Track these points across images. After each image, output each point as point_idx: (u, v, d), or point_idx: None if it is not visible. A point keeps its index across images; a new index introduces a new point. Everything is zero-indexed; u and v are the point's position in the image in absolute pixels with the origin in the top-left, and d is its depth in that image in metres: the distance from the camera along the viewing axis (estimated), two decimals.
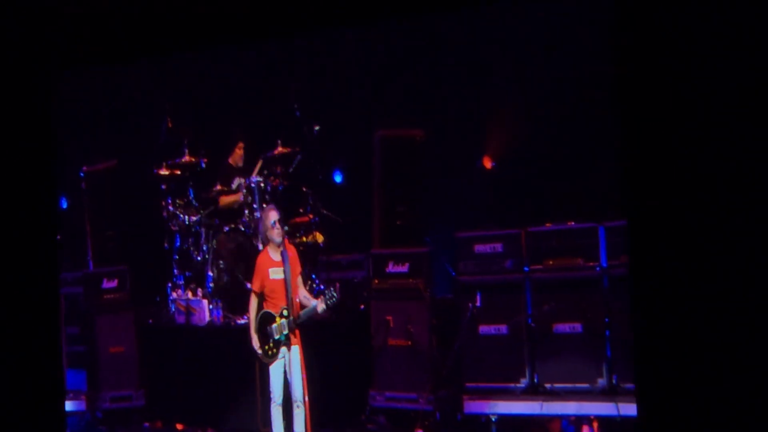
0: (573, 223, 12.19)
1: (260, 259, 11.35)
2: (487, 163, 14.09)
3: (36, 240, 7.15)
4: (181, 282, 14.47)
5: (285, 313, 10.94)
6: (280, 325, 10.90)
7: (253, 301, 11.18)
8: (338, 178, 15.53)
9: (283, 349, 10.86)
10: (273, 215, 11.11)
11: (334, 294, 11.08)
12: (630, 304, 5.60)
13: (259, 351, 11.07)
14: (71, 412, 14.12)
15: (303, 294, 11.24)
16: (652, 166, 5.47)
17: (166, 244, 14.78)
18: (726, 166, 5.31)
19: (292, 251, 11.26)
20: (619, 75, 5.63)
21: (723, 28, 5.44)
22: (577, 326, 11.90)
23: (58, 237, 14.48)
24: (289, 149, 14.22)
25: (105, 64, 9.15)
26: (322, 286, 13.35)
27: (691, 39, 5.47)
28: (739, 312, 5.30)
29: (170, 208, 14.62)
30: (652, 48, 5.55)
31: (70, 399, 14.23)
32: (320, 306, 10.98)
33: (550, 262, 12.07)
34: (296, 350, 10.76)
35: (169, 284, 14.55)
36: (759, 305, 5.26)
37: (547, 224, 12.31)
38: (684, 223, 5.41)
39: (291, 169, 14.33)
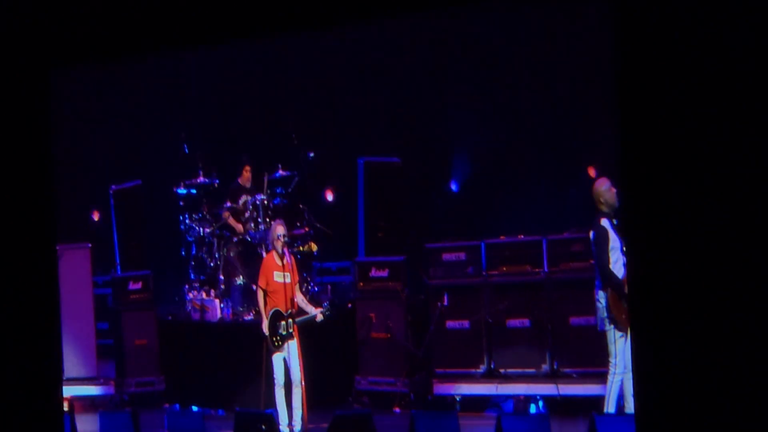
0: (522, 236, 13.34)
1: (266, 261, 12.30)
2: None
3: (34, 237, 6.82)
4: (196, 284, 15.35)
5: (291, 314, 12.02)
6: (287, 324, 11.96)
7: (260, 295, 12.20)
8: (329, 197, 16.41)
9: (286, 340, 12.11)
10: (280, 230, 12.20)
11: (330, 308, 12.32)
12: (628, 304, 5.59)
13: (268, 335, 11.95)
14: (102, 395, 14.84)
15: (300, 298, 12.18)
16: (651, 166, 5.20)
17: (183, 252, 15.62)
18: (726, 166, 5.07)
19: (292, 260, 12.28)
20: (619, 80, 5.33)
21: (724, 30, 5.15)
22: (526, 321, 13.05)
23: (89, 245, 14.92)
24: (287, 172, 15.22)
25: (104, 61, 8.66)
26: (316, 288, 14.32)
27: (691, 44, 5.18)
28: (736, 312, 5.06)
29: (187, 221, 15.51)
30: (653, 53, 5.23)
31: (101, 384, 14.94)
32: (318, 317, 12.15)
33: (504, 269, 13.22)
34: (294, 342, 11.93)
35: (186, 286, 15.40)
36: (758, 306, 5.01)
37: (502, 237, 13.46)
38: (681, 223, 5.12)
39: (290, 189, 15.22)
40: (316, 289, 14.24)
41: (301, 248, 13.80)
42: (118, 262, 16.30)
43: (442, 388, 13.35)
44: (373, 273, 14.02)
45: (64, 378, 14.27)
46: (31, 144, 6.74)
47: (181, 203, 15.69)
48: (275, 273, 12.11)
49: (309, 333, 12.53)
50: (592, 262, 11.53)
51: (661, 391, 5.17)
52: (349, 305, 14.23)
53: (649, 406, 5.21)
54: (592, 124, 14.50)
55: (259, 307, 12.35)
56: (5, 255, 6.63)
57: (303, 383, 12.04)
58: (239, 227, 15.10)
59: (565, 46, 15.11)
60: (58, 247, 14.83)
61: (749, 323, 4.97)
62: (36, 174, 6.72)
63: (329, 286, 15.06)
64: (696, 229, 5.04)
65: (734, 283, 4.98)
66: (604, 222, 10.76)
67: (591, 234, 11.11)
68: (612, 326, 11.03)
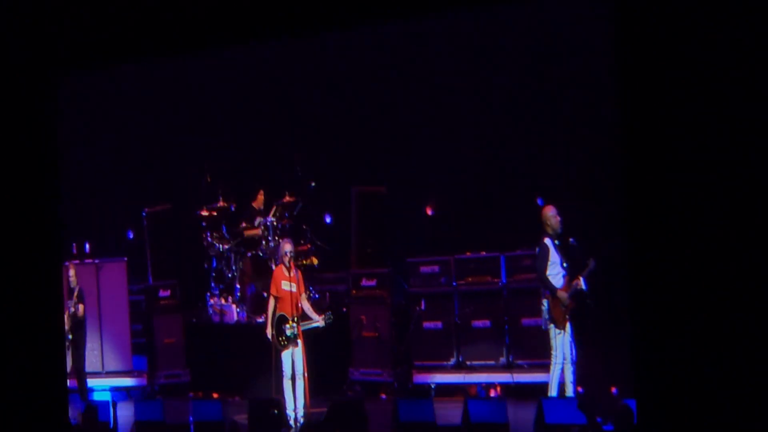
0: (484, 252, 14.36)
1: (276, 273, 12.91)
2: (429, 211, 15.58)
3: (39, 239, 6.45)
4: (216, 292, 16.08)
5: (295, 319, 12.63)
6: (292, 326, 12.60)
7: (271, 303, 12.84)
8: (328, 219, 16.80)
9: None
10: (288, 247, 12.88)
11: (331, 317, 12.83)
12: (629, 303, 5.28)
13: (272, 339, 12.53)
14: (136, 387, 15.54)
15: (306, 306, 12.79)
16: (652, 166, 4.99)
17: (205, 265, 16.24)
18: (726, 166, 4.81)
19: (298, 273, 12.92)
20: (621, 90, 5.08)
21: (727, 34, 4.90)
22: (487, 322, 14.11)
23: (125, 259, 15.86)
24: (293, 198, 15.95)
25: (109, 66, 7.95)
26: (317, 295, 14.82)
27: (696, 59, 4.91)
28: (734, 312, 4.82)
29: (209, 239, 16.20)
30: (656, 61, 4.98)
31: (135, 377, 15.59)
32: (321, 324, 12.74)
33: (470, 279, 14.22)
34: (299, 340, 12.68)
35: (208, 293, 16.15)
36: (756, 306, 4.76)
37: (468, 253, 14.45)
38: (680, 220, 4.90)
39: (295, 213, 15.96)
40: (316, 296, 14.80)
41: (304, 261, 14.93)
42: (149, 273, 16.70)
43: (420, 378, 14.28)
44: (364, 282, 14.81)
45: (105, 371, 15.52)
46: (38, 147, 6.39)
47: (204, 224, 16.31)
48: (283, 282, 12.70)
49: (311, 333, 13.07)
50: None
51: (661, 389, 4.88)
52: (344, 309, 14.96)
53: (649, 405, 4.94)
54: (541, 159, 15.05)
55: (267, 313, 12.90)
56: (11, 257, 6.25)
57: (306, 375, 12.76)
58: (257, 231, 15.56)
59: (508, 98, 15.38)
60: (98, 261, 15.54)
61: (747, 323, 4.71)
62: (42, 178, 6.36)
63: (327, 294, 15.64)
64: (695, 227, 4.82)
65: (732, 283, 4.72)
66: (547, 241, 11.99)
67: (536, 250, 12.18)
68: (552, 325, 12.20)
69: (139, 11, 6.35)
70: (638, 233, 5.09)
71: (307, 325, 12.74)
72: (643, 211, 5.01)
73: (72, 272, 14.76)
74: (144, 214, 16.90)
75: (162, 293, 15.78)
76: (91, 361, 15.79)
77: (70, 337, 14.67)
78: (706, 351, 4.83)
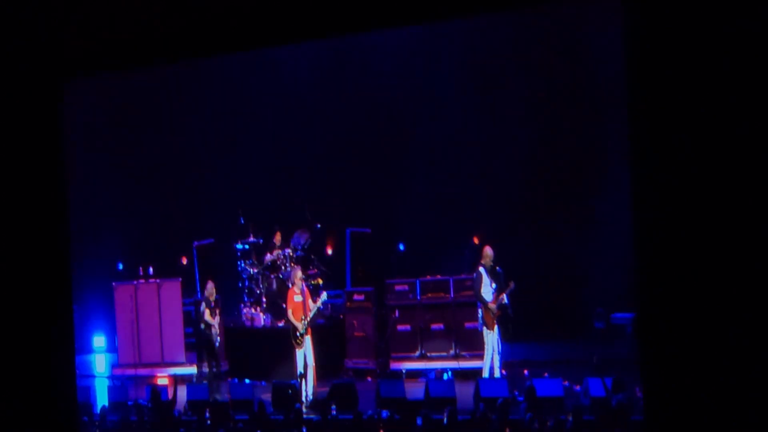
0: (439, 276, 15.40)
1: (290, 291, 13.89)
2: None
3: (47, 247, 5.34)
4: (248, 304, 16.85)
5: (303, 319, 13.48)
6: (303, 325, 13.54)
7: (289, 312, 13.73)
8: (329, 251, 17.71)
9: (304, 337, 13.53)
10: (298, 273, 14.10)
11: (325, 298, 13.91)
12: (635, 307, 4.46)
13: (292, 341, 13.32)
14: (188, 374, 16.08)
15: (312, 306, 13.62)
16: (660, 169, 4.17)
17: (239, 284, 16.95)
18: (734, 168, 3.98)
19: (306, 289, 13.97)
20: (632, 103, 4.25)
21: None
22: (441, 326, 15.16)
23: (180, 279, 16.39)
24: (303, 236, 16.81)
25: (116, 70, 6.80)
26: (321, 307, 14.40)
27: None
28: (739, 314, 3.99)
29: (242, 265, 17.01)
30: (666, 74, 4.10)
31: (187, 366, 16.17)
32: (319, 306, 13.67)
33: (429, 295, 15.31)
34: (309, 339, 13.66)
35: (242, 305, 16.89)
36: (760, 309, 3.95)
37: (428, 276, 15.49)
38: (689, 224, 4.09)
39: (305, 246, 16.82)
40: (321, 307, 14.41)
41: (312, 282, 15.85)
42: (198, 290, 17.12)
43: (395, 365, 15.21)
44: (355, 297, 15.76)
45: (164, 361, 16.15)
46: (44, 157, 5.38)
47: (239, 254, 17.05)
48: (295, 297, 13.71)
49: (318, 335, 14.03)
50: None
51: (667, 388, 4.12)
52: (341, 316, 16.02)
53: (656, 404, 4.14)
54: (477, 204, 16.44)
55: (288, 317, 13.71)
56: (18, 266, 5.28)
57: (314, 365, 13.68)
58: (276, 261, 16.18)
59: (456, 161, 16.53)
60: (159, 280, 16.61)
61: (750, 325, 3.98)
62: (49, 187, 5.40)
63: (329, 305, 16.13)
64: (702, 231, 4.07)
65: (737, 285, 4.00)
66: (482, 269, 13.61)
67: (474, 275, 13.77)
68: (485, 328, 13.60)
69: (144, 15, 5.23)
70: (645, 232, 4.26)
71: (312, 313, 13.50)
72: (650, 213, 4.23)
73: (210, 285, 15.14)
74: (194, 245, 17.55)
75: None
76: (155, 354, 16.41)
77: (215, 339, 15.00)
78: (710, 352, 4.04)
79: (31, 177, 5.46)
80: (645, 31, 4.27)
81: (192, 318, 16.33)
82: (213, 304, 15.09)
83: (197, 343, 15.76)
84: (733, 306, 4.08)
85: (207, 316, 14.98)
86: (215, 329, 15.02)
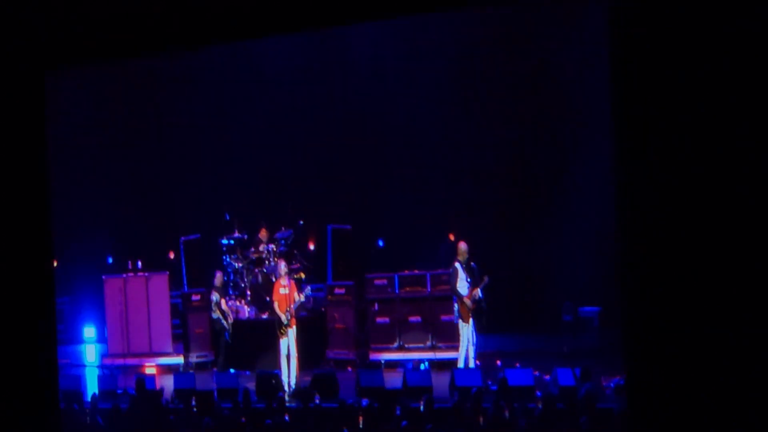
0: (416, 270, 15.56)
1: (276, 284, 14.15)
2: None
3: (29, 243, 5.23)
4: (233, 297, 16.74)
5: (288, 311, 13.64)
6: (286, 316, 13.68)
7: (275, 304, 13.90)
8: (311, 247, 17.78)
9: (289, 328, 13.67)
10: (283, 265, 14.34)
11: (309, 291, 14.36)
12: (621, 303, 4.23)
13: (277, 330, 13.52)
14: (175, 364, 16.08)
15: (296, 298, 13.81)
16: (644, 168, 4.07)
17: (225, 278, 16.80)
18: (718, 168, 3.94)
19: (290, 282, 14.13)
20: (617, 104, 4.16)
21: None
22: (418, 318, 15.24)
23: (167, 273, 16.35)
24: (288, 231, 16.91)
25: (100, 60, 6.45)
26: (303, 299, 14.57)
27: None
28: (723, 314, 3.95)
29: (227, 259, 16.99)
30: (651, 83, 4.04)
31: (174, 356, 16.18)
32: (302, 299, 13.86)
33: (407, 289, 15.40)
34: (293, 330, 13.82)
35: (227, 297, 16.55)
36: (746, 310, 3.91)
37: (406, 271, 15.59)
38: (673, 224, 4.01)
39: (289, 242, 16.87)
40: (303, 300, 14.54)
41: (295, 276, 15.65)
42: (185, 283, 17.27)
43: (374, 356, 15.31)
44: (336, 291, 15.86)
45: (152, 351, 16.22)
46: (26, 149, 5.24)
47: (224, 249, 17.05)
48: (280, 290, 13.93)
49: (301, 326, 14.09)
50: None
51: (652, 388, 4.06)
52: (323, 309, 16.09)
53: (640, 402, 4.10)
54: (453, 202, 16.54)
55: (274, 309, 13.89)
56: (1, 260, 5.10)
57: (297, 355, 13.78)
58: (262, 254, 16.26)
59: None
60: (147, 274, 16.69)
61: (734, 325, 3.92)
62: (31, 180, 5.26)
63: (312, 298, 16.18)
64: (687, 229, 4.00)
65: (717, 281, 3.96)
66: (457, 264, 13.81)
67: (450, 270, 13.93)
68: (460, 320, 13.74)
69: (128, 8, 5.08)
70: (630, 232, 4.14)
71: (296, 305, 13.70)
72: (634, 210, 4.12)
73: (219, 275, 15.49)
74: (181, 241, 17.52)
75: (194, 297, 16.49)
76: (143, 345, 16.42)
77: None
78: (695, 351, 3.99)
79: (13, 170, 5.32)
80: (629, 27, 4.23)
81: (179, 309, 16.56)
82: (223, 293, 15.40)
83: (210, 333, 16.02)
84: (714, 301, 4.07)
85: (223, 305, 15.28)
86: (230, 318, 15.33)
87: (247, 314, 16.40)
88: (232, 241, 17.00)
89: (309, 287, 14.36)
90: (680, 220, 4.15)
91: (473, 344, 13.68)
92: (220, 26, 5.29)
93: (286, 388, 13.39)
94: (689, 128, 4.13)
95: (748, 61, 4.04)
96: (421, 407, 10.89)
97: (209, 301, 15.67)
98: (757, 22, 3.99)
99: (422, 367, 14.92)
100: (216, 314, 15.37)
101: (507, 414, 10.33)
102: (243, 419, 11.45)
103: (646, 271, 4.22)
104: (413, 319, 15.26)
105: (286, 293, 13.77)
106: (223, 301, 15.31)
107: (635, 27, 4.20)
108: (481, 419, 10.42)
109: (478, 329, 13.79)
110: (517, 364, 13.60)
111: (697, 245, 4.13)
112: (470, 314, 13.65)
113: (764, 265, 4.02)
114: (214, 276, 15.94)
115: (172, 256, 17.94)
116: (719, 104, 4.08)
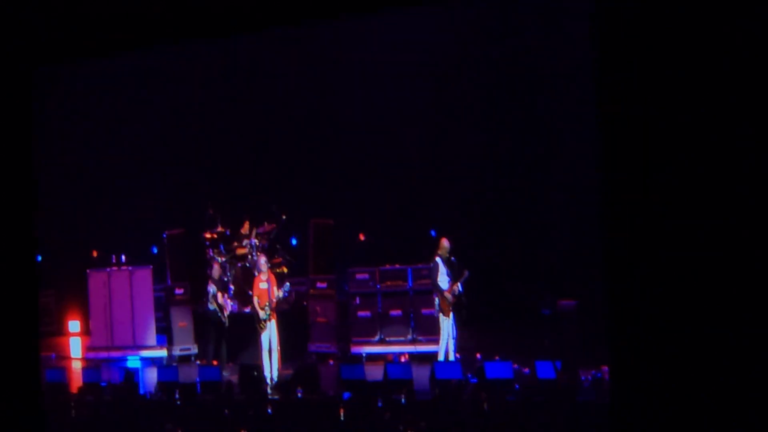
0: (398, 265, 15.49)
1: (256, 278, 14.05)
2: (361, 237, 16.43)
3: (13, 237, 5.18)
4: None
5: (267, 305, 13.59)
6: (265, 311, 13.64)
7: (255, 299, 13.84)
8: (294, 241, 17.68)
9: (268, 322, 13.63)
10: (263, 260, 14.28)
11: (288, 287, 13.90)
12: (605, 302, 4.17)
13: (257, 325, 13.47)
14: (158, 357, 16.10)
15: (277, 294, 13.73)
16: (629, 168, 4.04)
17: (208, 272, 16.36)
18: (705, 167, 3.90)
19: (272, 276, 14.11)
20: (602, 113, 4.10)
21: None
22: (399, 312, 15.28)
23: (151, 267, 16.38)
24: (270, 227, 16.74)
25: (90, 57, 6.32)
26: (286, 294, 14.32)
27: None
28: (709, 313, 3.92)
29: (210, 253, 16.87)
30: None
31: (158, 349, 16.21)
32: (281, 295, 13.69)
33: (389, 283, 15.40)
34: (273, 323, 13.74)
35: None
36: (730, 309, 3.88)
37: (387, 265, 15.54)
38: (656, 223, 3.98)
39: (271, 237, 16.76)
40: (285, 294, 14.40)
41: (277, 270, 15.74)
42: (168, 277, 17.02)
43: (355, 349, 15.35)
44: (318, 285, 15.81)
45: (136, 344, 16.24)
46: (12, 143, 5.21)
47: (207, 243, 16.97)
48: (260, 284, 13.84)
49: (282, 319, 14.03)
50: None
51: (636, 385, 4.04)
52: (305, 302, 16.03)
53: (624, 399, 4.09)
54: (434, 198, 16.57)
55: (252, 304, 13.82)
56: None
57: (278, 348, 13.78)
58: (244, 249, 16.27)
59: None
60: (131, 268, 16.76)
61: (718, 319, 3.91)
62: (16, 173, 5.20)
63: (293, 292, 15.76)
64: (670, 230, 3.98)
65: (703, 279, 3.93)
66: (438, 259, 13.76)
67: (431, 265, 13.86)
68: (440, 314, 13.68)
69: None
70: (615, 233, 4.11)
71: (275, 300, 13.62)
72: (617, 205, 4.08)
73: (217, 267, 15.45)
74: (164, 235, 17.30)
75: (177, 291, 16.49)
76: (127, 338, 16.51)
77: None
78: (680, 349, 3.97)
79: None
80: (613, 22, 4.21)
81: (162, 303, 16.63)
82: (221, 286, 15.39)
83: (205, 326, 15.88)
84: (698, 295, 4.07)
85: (220, 298, 15.22)
86: (227, 311, 15.26)
87: (229, 308, 16.08)
88: (215, 236, 16.98)
89: (287, 284, 14.13)
90: (663, 214, 4.12)
91: (453, 338, 13.68)
92: (206, 22, 5.26)
93: (269, 381, 13.35)
94: (673, 123, 4.10)
95: (731, 55, 4.02)
96: (402, 400, 10.96)
97: (206, 292, 15.59)
98: (744, 19, 3.98)
99: (403, 360, 15.03)
100: (213, 306, 15.30)
101: (486, 407, 10.37)
102: (226, 411, 11.47)
103: (629, 265, 4.19)
104: (394, 312, 15.29)
105: (266, 288, 13.73)
106: (219, 294, 15.27)
107: (619, 22, 4.17)
108: (460, 412, 10.45)
109: (458, 323, 13.75)
110: (497, 357, 13.52)
111: (679, 240, 4.10)
112: (450, 308, 13.64)
113: (744, 258, 4.00)
114: (211, 268, 15.89)
115: (155, 250, 18.11)
116: (703, 99, 4.05)
